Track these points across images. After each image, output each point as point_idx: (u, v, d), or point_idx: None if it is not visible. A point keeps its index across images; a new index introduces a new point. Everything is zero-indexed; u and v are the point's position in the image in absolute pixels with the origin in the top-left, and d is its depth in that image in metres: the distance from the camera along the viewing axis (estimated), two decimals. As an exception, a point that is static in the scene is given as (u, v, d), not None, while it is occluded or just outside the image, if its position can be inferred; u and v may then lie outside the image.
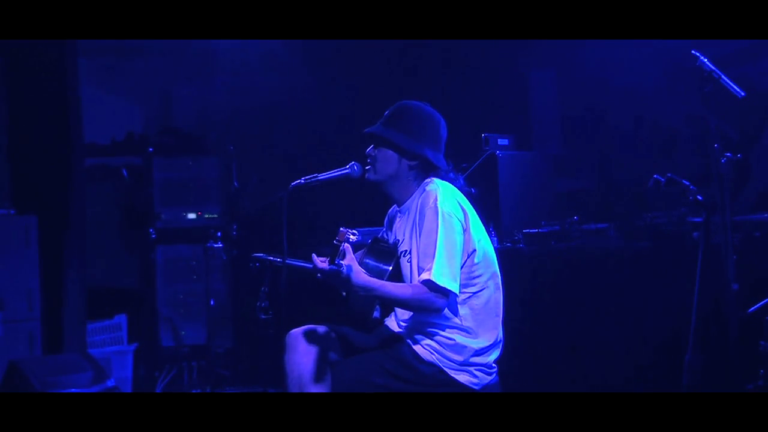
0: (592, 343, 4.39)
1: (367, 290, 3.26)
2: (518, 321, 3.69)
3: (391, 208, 3.69)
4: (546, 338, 4.48)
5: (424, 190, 3.44)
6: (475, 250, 3.36)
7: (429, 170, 3.49)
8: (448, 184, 3.47)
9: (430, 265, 3.25)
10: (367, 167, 3.53)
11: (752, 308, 3.66)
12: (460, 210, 3.36)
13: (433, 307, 3.27)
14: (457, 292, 3.29)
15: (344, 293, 3.46)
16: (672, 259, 4.19)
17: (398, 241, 3.53)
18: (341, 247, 3.19)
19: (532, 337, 4.37)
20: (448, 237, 3.28)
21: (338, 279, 3.22)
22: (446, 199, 3.35)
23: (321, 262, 3.25)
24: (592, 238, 4.57)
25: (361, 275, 3.24)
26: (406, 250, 3.45)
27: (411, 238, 3.41)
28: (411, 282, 3.38)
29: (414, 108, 3.53)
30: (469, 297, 3.37)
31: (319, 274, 3.27)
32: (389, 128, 3.49)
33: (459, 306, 3.35)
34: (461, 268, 3.32)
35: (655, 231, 4.32)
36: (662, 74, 5.54)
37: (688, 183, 3.65)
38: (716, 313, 3.66)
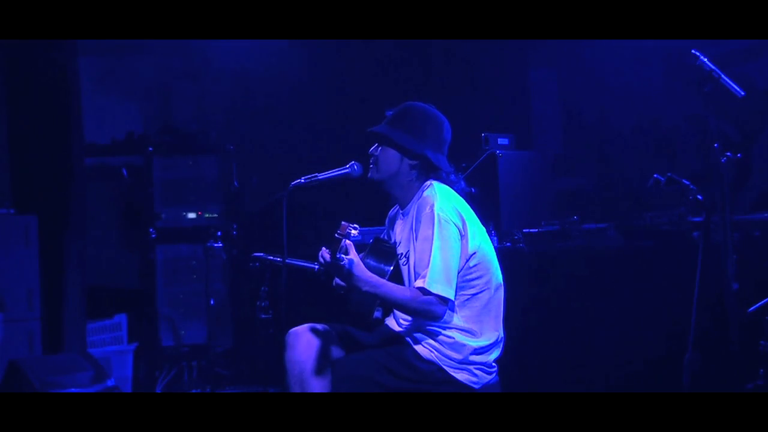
0: (592, 343, 4.38)
1: (369, 285, 3.26)
2: (518, 321, 3.69)
3: (393, 209, 3.68)
4: (546, 338, 4.47)
5: (422, 195, 3.44)
6: (474, 254, 3.35)
7: (429, 171, 3.49)
8: (447, 188, 3.46)
9: (424, 272, 3.25)
10: (370, 166, 3.53)
11: (752, 308, 3.66)
12: (457, 215, 3.35)
13: (431, 315, 3.28)
14: (453, 298, 3.28)
15: (342, 292, 3.47)
16: (672, 259, 4.19)
17: (398, 243, 3.53)
18: (342, 242, 3.19)
19: (532, 337, 4.36)
20: (444, 243, 3.27)
21: (340, 272, 3.23)
22: (443, 205, 3.34)
23: (325, 254, 3.25)
24: (592, 238, 4.57)
25: (362, 269, 3.26)
26: (402, 253, 3.46)
27: (409, 242, 3.42)
28: (408, 286, 3.38)
29: (418, 109, 3.53)
30: (468, 299, 3.37)
31: (319, 266, 3.28)
32: (393, 128, 3.50)
33: (459, 308, 3.35)
34: (459, 272, 3.32)
35: (655, 231, 4.32)
36: (662, 74, 5.55)
37: (688, 183, 3.65)
38: (716, 313, 3.65)
